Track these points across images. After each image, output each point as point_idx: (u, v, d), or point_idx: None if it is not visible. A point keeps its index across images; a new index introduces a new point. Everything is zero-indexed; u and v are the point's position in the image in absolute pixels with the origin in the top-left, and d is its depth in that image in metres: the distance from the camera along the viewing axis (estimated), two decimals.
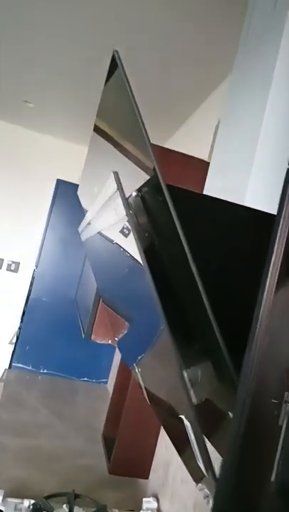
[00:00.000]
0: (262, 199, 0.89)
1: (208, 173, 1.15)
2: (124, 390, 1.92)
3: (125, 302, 1.15)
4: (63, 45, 2.00)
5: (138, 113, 0.51)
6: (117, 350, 3.06)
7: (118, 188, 0.46)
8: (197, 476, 0.64)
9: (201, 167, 1.29)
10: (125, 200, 0.47)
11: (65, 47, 2.02)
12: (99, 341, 1.69)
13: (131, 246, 0.58)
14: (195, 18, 1.58)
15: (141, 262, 0.50)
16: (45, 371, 2.98)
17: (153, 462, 1.70)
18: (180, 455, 0.73)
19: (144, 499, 1.51)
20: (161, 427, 1.70)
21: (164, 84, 2.15)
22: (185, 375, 0.50)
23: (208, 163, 1.23)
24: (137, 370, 1.06)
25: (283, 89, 0.94)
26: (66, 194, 3.27)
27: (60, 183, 3.28)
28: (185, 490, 1.36)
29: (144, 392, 1.05)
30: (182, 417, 0.57)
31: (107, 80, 0.79)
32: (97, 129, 1.00)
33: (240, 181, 0.97)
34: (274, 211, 0.79)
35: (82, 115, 2.87)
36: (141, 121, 0.50)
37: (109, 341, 1.69)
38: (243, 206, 0.73)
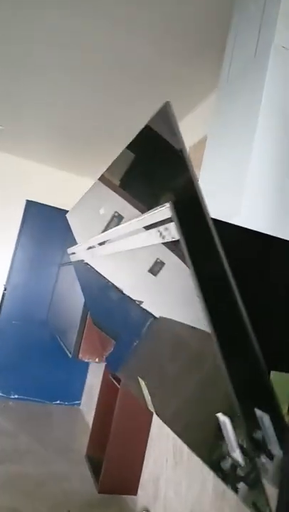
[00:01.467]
0: (257, 219, 0.99)
1: None
2: (108, 411, 1.94)
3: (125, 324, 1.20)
4: (33, 68, 2.05)
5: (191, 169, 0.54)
6: (90, 371, 3.06)
7: (173, 216, 0.53)
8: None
9: None
10: (180, 227, 0.54)
11: (35, 70, 2.07)
12: (86, 360, 1.71)
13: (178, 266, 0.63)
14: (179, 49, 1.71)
15: (191, 277, 0.56)
16: (16, 396, 2.90)
17: (141, 478, 1.72)
18: (203, 457, 0.78)
19: None
20: (148, 445, 1.74)
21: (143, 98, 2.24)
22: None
23: None
24: (142, 384, 1.11)
25: (269, 126, 1.05)
26: (36, 215, 3.27)
27: (30, 204, 3.28)
28: (179, 503, 1.39)
29: (150, 403, 1.09)
30: (219, 415, 0.63)
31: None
32: (104, 180, 0.97)
33: (231, 203, 1.06)
34: (271, 231, 0.89)
35: (52, 137, 2.93)
36: None
37: (97, 359, 1.72)
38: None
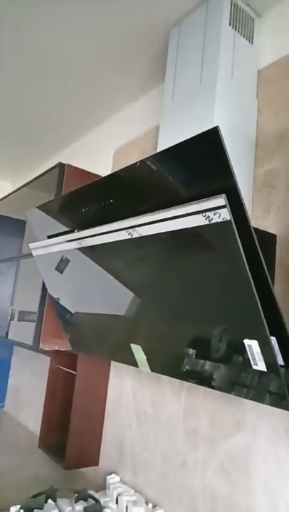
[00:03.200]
0: None
1: None
2: (59, 399, 2.11)
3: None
4: None
5: None
6: (12, 373, 3.04)
7: (227, 206, 0.81)
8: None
9: None
10: (231, 213, 0.83)
11: None
12: (47, 348, 1.82)
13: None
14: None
15: (242, 255, 0.84)
16: None
17: (101, 449, 1.92)
18: (218, 386, 1.07)
19: (107, 477, 1.73)
20: (105, 419, 1.94)
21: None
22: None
23: None
24: (136, 348, 1.34)
25: None
26: None
27: None
28: (149, 454, 1.65)
29: (144, 364, 1.33)
30: (246, 341, 0.94)
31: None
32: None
33: None
34: None
35: None
36: None
37: (56, 347, 1.84)
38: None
